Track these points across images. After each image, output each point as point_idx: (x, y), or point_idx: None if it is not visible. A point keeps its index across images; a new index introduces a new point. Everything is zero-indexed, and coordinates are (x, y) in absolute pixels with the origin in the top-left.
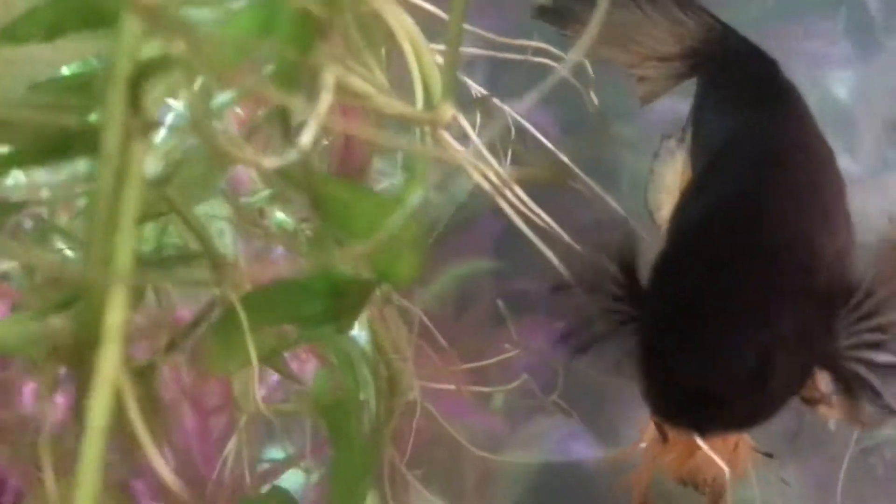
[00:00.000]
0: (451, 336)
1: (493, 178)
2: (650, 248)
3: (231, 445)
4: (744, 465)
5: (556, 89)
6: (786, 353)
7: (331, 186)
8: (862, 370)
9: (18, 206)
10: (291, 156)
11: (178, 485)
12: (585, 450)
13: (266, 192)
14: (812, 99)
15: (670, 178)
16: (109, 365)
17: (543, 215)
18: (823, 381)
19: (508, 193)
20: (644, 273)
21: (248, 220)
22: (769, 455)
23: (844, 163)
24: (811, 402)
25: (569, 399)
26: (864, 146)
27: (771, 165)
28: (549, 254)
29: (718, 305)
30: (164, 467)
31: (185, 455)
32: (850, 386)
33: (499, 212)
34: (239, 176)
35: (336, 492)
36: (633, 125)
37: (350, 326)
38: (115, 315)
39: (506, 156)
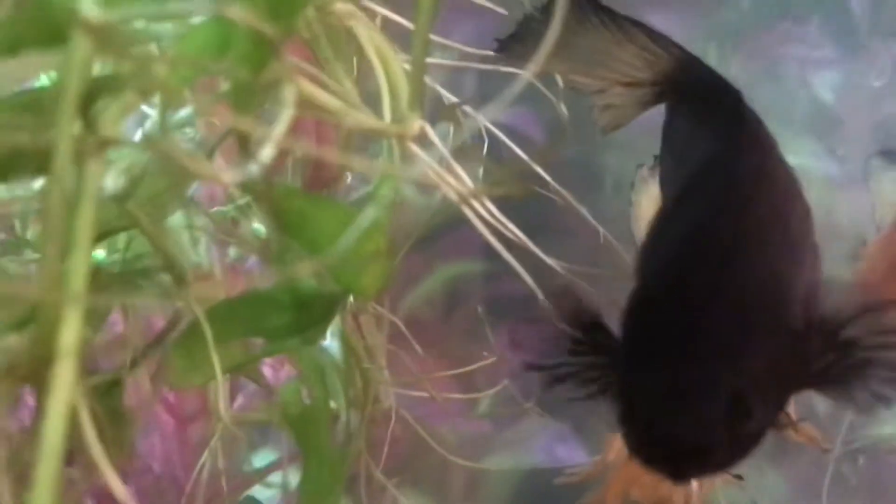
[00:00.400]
0: (438, 337)
1: (462, 190)
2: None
3: (207, 454)
4: (712, 487)
5: (539, 93)
6: (758, 392)
7: (293, 199)
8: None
9: None
10: (252, 170)
11: (130, 502)
12: (572, 453)
13: (240, 202)
14: (798, 101)
15: (646, 206)
16: (64, 383)
17: (511, 226)
18: (792, 407)
19: (477, 205)
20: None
21: (222, 230)
22: (739, 477)
23: (830, 165)
24: (779, 426)
25: (554, 403)
26: (850, 148)
27: (735, 202)
28: (519, 268)
29: (687, 351)
30: (120, 488)
31: (163, 464)
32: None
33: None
34: (213, 186)
35: (307, 502)
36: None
37: (318, 338)
38: (70, 334)
39: (481, 164)
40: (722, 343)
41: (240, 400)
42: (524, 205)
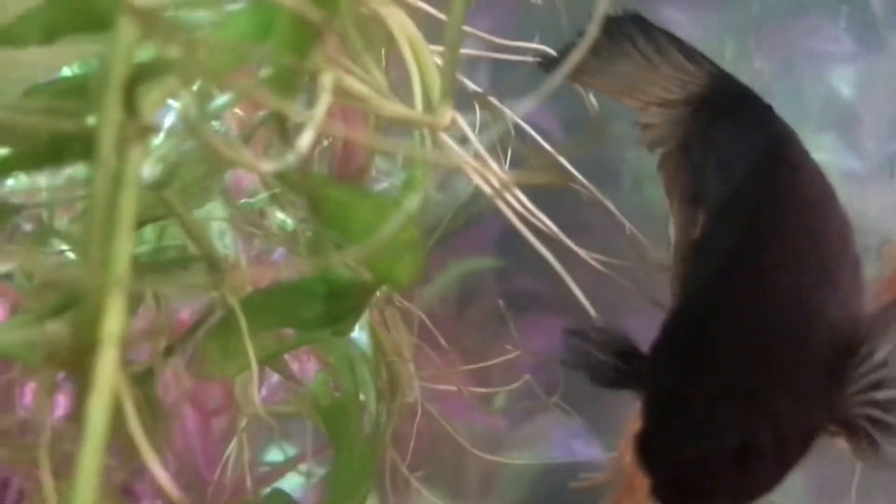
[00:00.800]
0: (452, 334)
1: (493, 181)
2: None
3: (232, 447)
4: None
5: (558, 89)
6: (777, 434)
7: (329, 189)
8: (870, 420)
9: (17, 209)
10: (289, 159)
11: (175, 490)
12: (587, 449)
13: (266, 194)
14: (816, 97)
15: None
16: (107, 370)
17: (544, 218)
18: None
19: (508, 196)
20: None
21: (249, 222)
22: None
23: (849, 161)
24: (833, 433)
25: (571, 398)
26: (869, 143)
27: (764, 228)
28: (549, 256)
29: (705, 390)
30: (161, 473)
31: (187, 457)
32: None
33: (500, 212)
34: (240, 177)
35: (335, 494)
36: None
37: (350, 329)
38: (113, 320)
39: (506, 157)
40: (740, 383)
41: (263, 393)
42: (544, 201)
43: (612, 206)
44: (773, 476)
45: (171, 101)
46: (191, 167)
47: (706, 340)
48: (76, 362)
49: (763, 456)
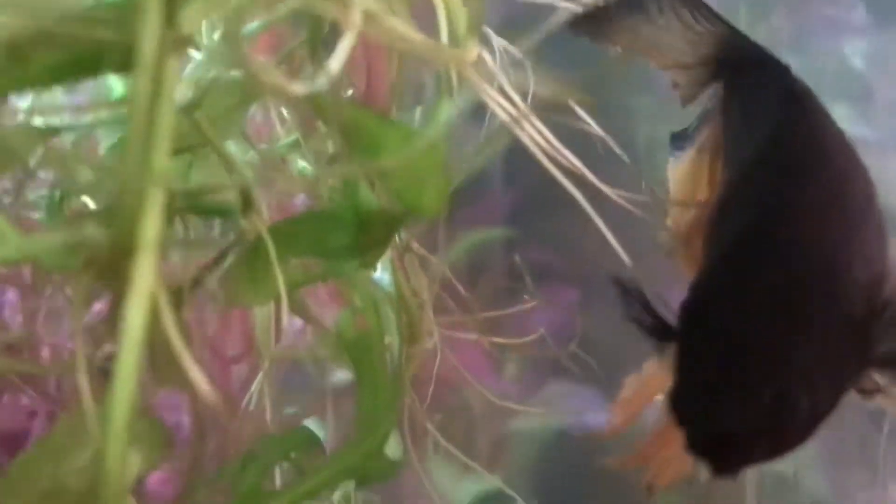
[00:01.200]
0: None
1: (520, 118)
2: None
3: (253, 390)
4: None
5: (565, 56)
6: (807, 385)
7: (358, 115)
8: None
9: (56, 131)
10: (321, 82)
11: (211, 392)
12: (599, 415)
13: (289, 139)
14: (829, 67)
15: (679, 176)
16: (146, 273)
17: (569, 155)
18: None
19: (532, 131)
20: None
21: (271, 166)
22: None
23: (861, 130)
24: (868, 392)
25: (582, 366)
26: (881, 113)
27: (789, 189)
28: (577, 193)
29: (738, 350)
30: (200, 378)
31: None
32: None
33: (511, 183)
34: (260, 124)
35: (360, 427)
36: (649, 95)
37: (375, 262)
38: (151, 223)
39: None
40: (770, 339)
41: (284, 338)
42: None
43: (619, 149)
44: (805, 429)
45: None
46: (221, 91)
47: (736, 297)
48: (114, 268)
49: (796, 408)
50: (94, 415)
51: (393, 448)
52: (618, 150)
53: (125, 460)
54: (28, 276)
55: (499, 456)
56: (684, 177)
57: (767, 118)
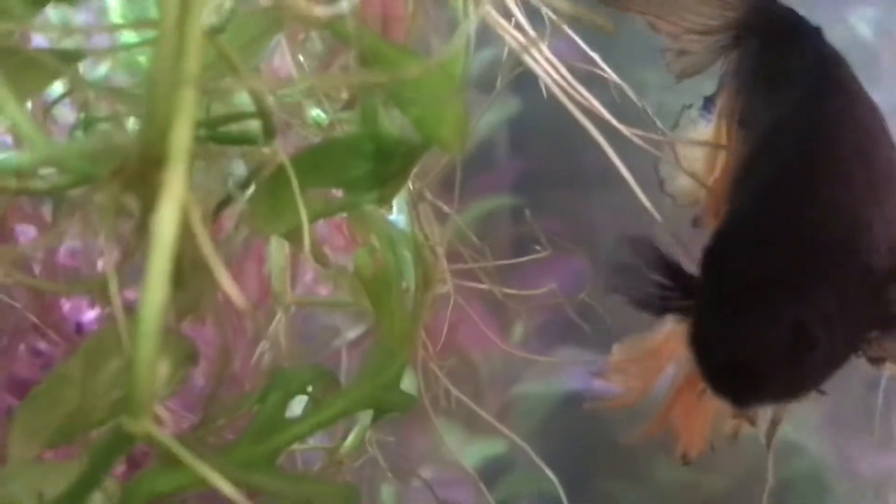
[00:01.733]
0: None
1: (534, 53)
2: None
3: (274, 325)
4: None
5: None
6: (825, 325)
7: (378, 44)
8: None
9: (80, 55)
10: (343, 6)
11: (242, 299)
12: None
13: (304, 85)
14: (836, 36)
15: (691, 149)
16: (178, 181)
17: (585, 93)
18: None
19: (549, 69)
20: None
21: (287, 111)
22: (823, 392)
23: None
24: (877, 361)
25: (588, 335)
26: (887, 80)
27: (818, 145)
28: (591, 127)
29: (759, 284)
30: (229, 283)
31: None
32: None
33: (518, 153)
34: (277, 68)
35: (377, 358)
36: (656, 69)
37: (393, 195)
38: (184, 127)
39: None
40: (791, 275)
41: (298, 289)
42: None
43: (635, 96)
44: (821, 371)
45: None
46: (244, 24)
47: (759, 240)
48: (143, 177)
49: (813, 346)
50: (126, 324)
51: (408, 386)
52: (632, 95)
53: (154, 366)
54: (48, 214)
55: (505, 419)
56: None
57: (798, 80)
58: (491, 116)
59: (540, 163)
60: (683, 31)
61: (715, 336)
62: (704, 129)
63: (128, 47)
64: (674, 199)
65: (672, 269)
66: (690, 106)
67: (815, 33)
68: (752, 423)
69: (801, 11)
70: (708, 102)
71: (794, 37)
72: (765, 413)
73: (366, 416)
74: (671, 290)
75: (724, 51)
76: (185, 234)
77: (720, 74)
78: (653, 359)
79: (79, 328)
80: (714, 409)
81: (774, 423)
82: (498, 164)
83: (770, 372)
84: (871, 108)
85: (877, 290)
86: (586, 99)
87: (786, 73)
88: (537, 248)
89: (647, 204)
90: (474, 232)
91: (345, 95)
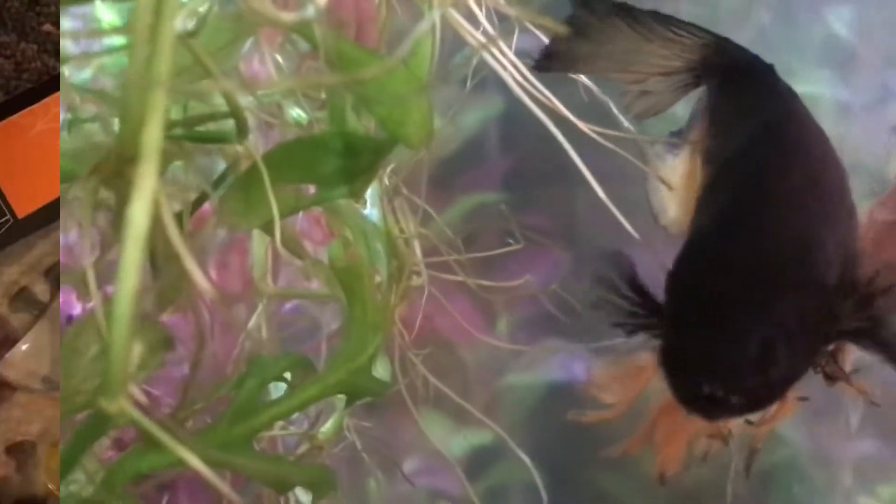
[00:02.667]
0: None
1: (498, 56)
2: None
3: (254, 320)
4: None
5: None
6: (787, 341)
7: (345, 46)
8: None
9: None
10: (310, 12)
11: (210, 287)
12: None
13: (283, 86)
14: (813, 35)
15: (673, 178)
16: (149, 175)
17: (549, 94)
18: (847, 360)
19: (514, 73)
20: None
21: (267, 112)
22: (804, 398)
23: (844, 94)
24: (832, 378)
25: (571, 326)
26: (863, 78)
27: (772, 175)
28: (555, 130)
29: (722, 305)
30: (199, 273)
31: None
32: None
33: (506, 150)
34: (257, 70)
35: (349, 344)
36: None
37: (363, 190)
38: (155, 127)
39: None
40: (753, 296)
41: (281, 282)
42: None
43: (606, 97)
44: (784, 384)
45: None
46: (217, 29)
47: (719, 262)
48: (120, 174)
49: (777, 363)
50: (101, 311)
51: (382, 374)
52: (600, 95)
53: (128, 349)
54: None
55: (491, 411)
56: (682, 179)
57: (754, 117)
58: (480, 113)
59: (529, 159)
60: (646, 76)
61: (683, 354)
62: (671, 162)
63: (111, 52)
64: (667, 230)
65: (641, 289)
66: (671, 134)
67: (768, 70)
68: (727, 442)
69: (780, 10)
70: (674, 136)
71: (749, 75)
72: (742, 441)
73: (342, 402)
74: (641, 307)
75: (685, 90)
76: (159, 227)
77: (691, 111)
78: (636, 375)
79: (69, 321)
80: (694, 429)
81: (753, 451)
82: (487, 160)
83: (738, 388)
84: (820, 137)
85: (831, 307)
86: (547, 97)
87: (743, 109)
88: (510, 241)
89: (612, 208)
90: (462, 227)
91: (324, 95)
